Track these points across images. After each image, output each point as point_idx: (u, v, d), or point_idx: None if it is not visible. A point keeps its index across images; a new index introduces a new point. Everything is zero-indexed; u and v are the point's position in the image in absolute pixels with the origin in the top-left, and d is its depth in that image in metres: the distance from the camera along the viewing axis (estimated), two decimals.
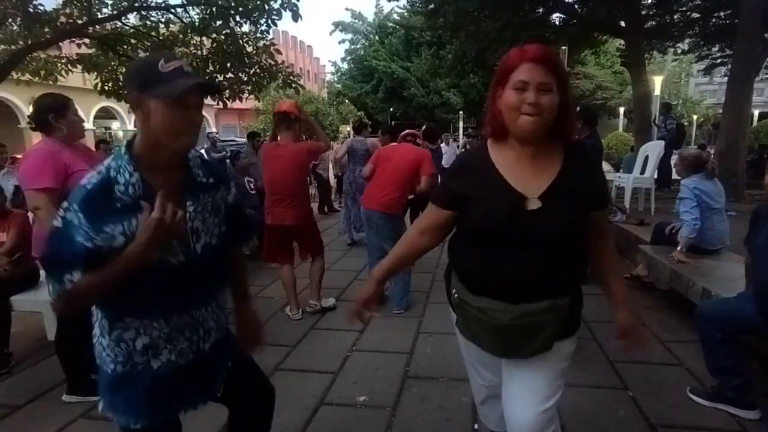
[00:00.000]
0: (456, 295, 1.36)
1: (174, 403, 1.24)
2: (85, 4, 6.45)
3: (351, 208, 6.21)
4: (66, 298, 1.06)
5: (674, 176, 8.83)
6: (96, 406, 2.42)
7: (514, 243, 1.22)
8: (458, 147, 15.93)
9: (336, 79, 39.68)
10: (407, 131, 4.03)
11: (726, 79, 8.40)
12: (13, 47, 6.65)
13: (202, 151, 10.24)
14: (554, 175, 1.23)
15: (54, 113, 2.30)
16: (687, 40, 13.14)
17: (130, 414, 1.18)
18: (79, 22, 6.61)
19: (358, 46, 36.29)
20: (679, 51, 15.21)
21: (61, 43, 7.07)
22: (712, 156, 8.65)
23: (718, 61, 13.20)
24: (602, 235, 1.36)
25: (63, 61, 7.45)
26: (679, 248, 3.38)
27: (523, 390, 1.31)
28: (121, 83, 7.37)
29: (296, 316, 3.66)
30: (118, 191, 1.07)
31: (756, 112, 19.85)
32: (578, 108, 4.83)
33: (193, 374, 1.24)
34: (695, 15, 11.29)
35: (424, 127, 6.58)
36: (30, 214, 2.55)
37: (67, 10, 6.61)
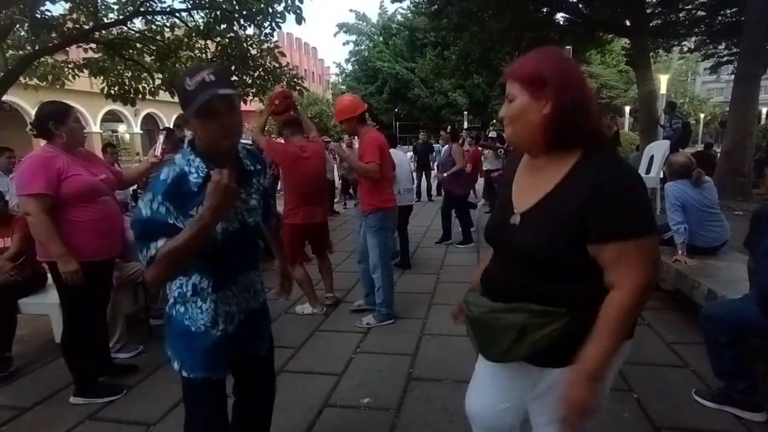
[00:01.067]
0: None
1: (233, 355, 1.50)
2: (91, 9, 6.52)
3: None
4: (155, 263, 1.23)
5: None
6: (102, 407, 2.47)
7: (501, 253, 1.24)
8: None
9: (340, 80, 39.78)
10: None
11: (733, 77, 8.33)
12: (21, 52, 6.74)
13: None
14: (544, 193, 1.14)
15: (54, 121, 2.33)
16: (693, 39, 13.06)
17: (211, 369, 1.44)
18: (86, 27, 6.69)
19: (362, 48, 36.37)
20: (685, 49, 15.12)
21: (67, 48, 7.15)
22: (719, 155, 8.63)
23: (725, 59, 13.12)
24: (610, 283, 1.07)
25: (70, 65, 7.53)
26: (679, 251, 3.40)
27: (535, 412, 1.29)
28: (126, 87, 7.44)
29: (320, 311, 3.78)
30: (192, 178, 1.29)
31: (764, 110, 19.68)
32: None
33: (247, 330, 1.51)
34: (701, 13, 11.22)
35: (449, 128, 6.70)
36: None
37: (74, 16, 6.69)
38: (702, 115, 33.11)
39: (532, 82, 1.09)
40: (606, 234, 1.04)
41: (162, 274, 1.27)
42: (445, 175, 6.20)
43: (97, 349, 2.67)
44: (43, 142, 2.48)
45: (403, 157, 5.42)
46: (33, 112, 2.55)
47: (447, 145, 6.89)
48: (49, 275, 2.70)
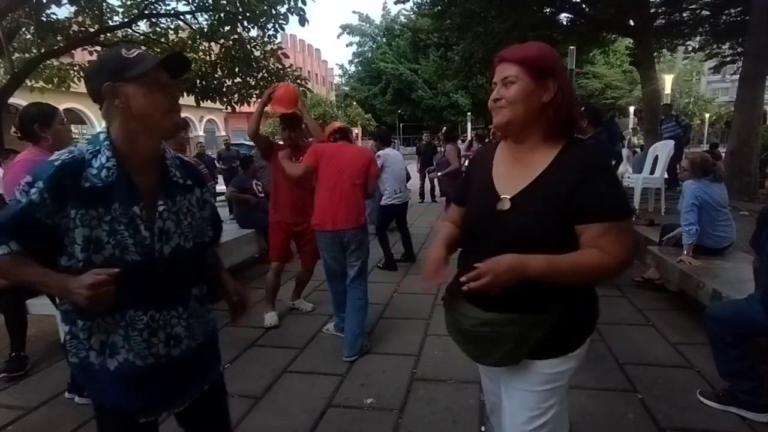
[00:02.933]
0: (445, 295, 1.35)
1: (137, 405, 1.18)
2: (96, 12, 6.58)
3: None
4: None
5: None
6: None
7: (486, 245, 1.17)
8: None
9: (344, 81, 39.86)
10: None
11: (738, 76, 8.28)
12: (27, 55, 6.80)
13: (216, 153, 10.39)
14: (533, 177, 1.17)
15: (39, 123, 2.28)
16: (697, 38, 12.99)
17: (101, 396, 1.20)
18: (91, 30, 6.75)
19: (365, 49, 36.45)
20: (690, 49, 15.04)
21: (73, 51, 7.21)
22: (724, 155, 8.57)
23: (729, 58, 13.04)
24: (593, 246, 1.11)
25: (75, 68, 7.59)
26: (685, 251, 3.38)
27: (512, 407, 1.27)
28: None
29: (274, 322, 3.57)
30: (90, 173, 1.05)
31: None
32: (582, 108, 4.80)
33: (156, 380, 1.17)
34: (705, 12, 11.16)
35: (445, 129, 6.69)
36: None
37: (79, 19, 6.75)
38: (707, 115, 32.91)
39: (537, 69, 1.14)
40: (594, 214, 1.10)
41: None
42: (438, 173, 6.21)
43: None
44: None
45: (396, 156, 5.44)
46: None
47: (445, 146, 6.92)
48: None
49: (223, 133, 26.43)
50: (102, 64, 1.13)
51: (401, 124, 34.90)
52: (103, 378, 1.14)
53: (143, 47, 7.28)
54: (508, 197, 1.18)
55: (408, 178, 5.67)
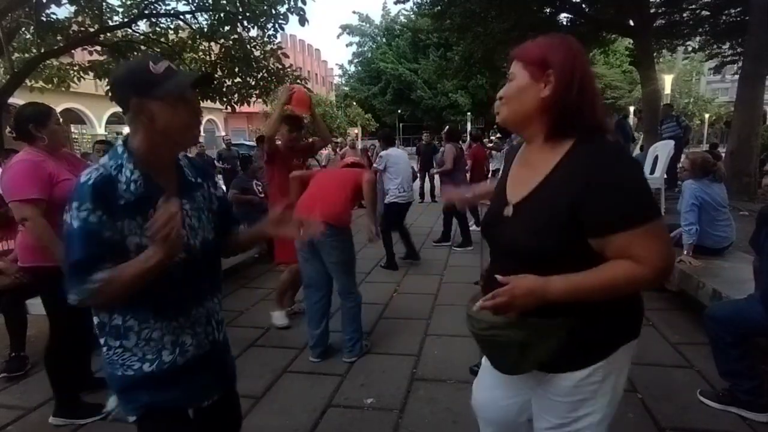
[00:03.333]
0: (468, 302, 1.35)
1: (194, 393, 1.26)
2: (96, 12, 6.58)
3: None
4: (96, 297, 1.04)
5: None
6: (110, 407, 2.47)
7: (494, 248, 1.19)
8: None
9: (343, 81, 39.87)
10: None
11: (738, 76, 8.29)
12: (27, 55, 6.80)
13: (216, 153, 10.40)
14: (536, 183, 1.09)
15: (35, 123, 2.25)
16: (697, 38, 13.00)
17: (152, 402, 1.19)
18: (91, 30, 6.74)
19: (365, 49, 36.47)
20: (689, 49, 15.05)
21: (73, 51, 7.21)
22: (724, 155, 8.58)
23: (729, 58, 13.05)
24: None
25: (75, 68, 7.59)
26: (685, 251, 3.38)
27: (539, 411, 1.24)
28: None
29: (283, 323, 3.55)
30: (121, 190, 1.08)
31: None
32: None
33: (210, 364, 1.28)
34: (705, 13, 11.16)
35: (447, 128, 6.69)
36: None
37: (79, 19, 6.75)
38: (707, 116, 32.93)
39: (535, 63, 1.07)
40: (608, 226, 0.98)
41: (99, 305, 1.11)
42: (433, 172, 6.21)
43: (79, 362, 2.57)
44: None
45: (400, 156, 5.45)
46: None
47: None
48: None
49: (223, 133, 26.42)
50: (130, 77, 1.14)
51: (401, 124, 34.91)
52: (163, 378, 1.17)
53: (143, 47, 7.31)
54: (512, 204, 1.13)
55: (414, 177, 5.66)
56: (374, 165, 5.45)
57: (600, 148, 1.04)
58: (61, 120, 2.48)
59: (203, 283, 1.26)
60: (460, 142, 6.82)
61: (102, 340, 1.18)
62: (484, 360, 1.40)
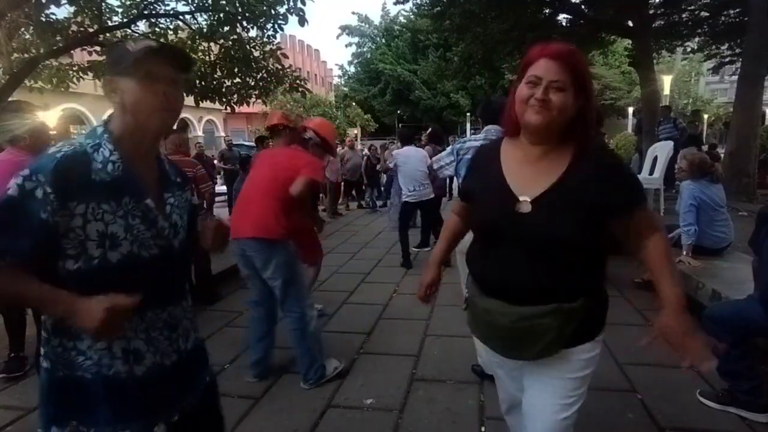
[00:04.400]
0: (467, 295, 1.38)
1: (159, 408, 1.12)
2: (96, 12, 6.55)
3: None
4: None
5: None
6: None
7: (509, 243, 1.22)
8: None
9: (343, 82, 39.88)
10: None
11: (736, 77, 8.30)
12: (26, 55, 6.78)
13: (217, 153, 10.41)
14: (554, 180, 1.18)
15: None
16: (696, 39, 13.02)
17: (114, 422, 1.04)
18: (90, 30, 6.72)
19: (364, 50, 36.49)
20: (688, 50, 15.08)
21: (72, 51, 7.19)
22: (723, 155, 8.60)
23: (728, 59, 13.06)
24: (642, 236, 1.21)
25: (75, 68, 7.56)
26: (684, 252, 3.39)
27: (542, 398, 1.28)
28: None
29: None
30: (96, 167, 0.99)
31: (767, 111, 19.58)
32: None
33: (178, 375, 1.16)
34: (704, 13, 11.18)
35: (429, 129, 6.69)
36: None
37: (79, 19, 6.72)
38: (705, 116, 32.98)
39: (580, 82, 1.16)
40: (633, 205, 1.20)
41: None
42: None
43: None
44: None
45: (410, 155, 5.45)
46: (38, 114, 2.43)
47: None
48: None
49: (223, 134, 26.41)
50: (109, 57, 1.13)
51: (400, 125, 34.92)
52: (127, 390, 1.05)
53: None
54: (528, 200, 1.18)
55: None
56: (387, 163, 5.51)
57: (604, 148, 1.33)
58: (44, 120, 2.44)
59: (171, 286, 1.16)
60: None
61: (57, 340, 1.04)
62: (498, 383, 1.54)
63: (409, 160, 5.32)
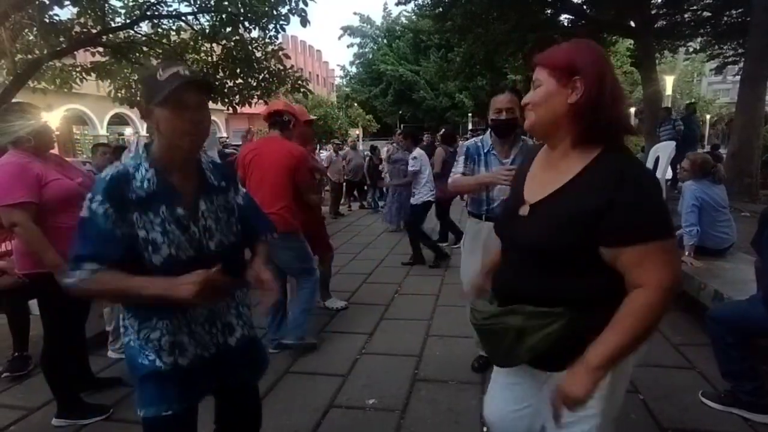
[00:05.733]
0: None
1: (200, 391, 1.34)
2: (98, 13, 6.58)
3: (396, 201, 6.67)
4: (81, 287, 1.13)
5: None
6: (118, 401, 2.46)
7: (507, 246, 1.23)
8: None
9: (345, 82, 39.91)
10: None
11: (739, 77, 8.29)
12: (29, 56, 6.80)
13: (214, 154, 10.43)
14: (559, 185, 1.11)
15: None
16: (698, 39, 13.00)
17: (159, 403, 1.26)
18: (93, 31, 6.74)
19: (366, 50, 36.52)
20: (691, 50, 15.05)
21: (75, 52, 7.21)
22: (725, 156, 8.58)
23: (730, 59, 13.04)
24: (633, 283, 1.01)
25: (78, 69, 7.58)
26: (686, 253, 3.39)
27: (546, 409, 1.22)
28: (134, 90, 7.51)
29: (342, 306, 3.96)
30: (135, 186, 1.18)
31: None
32: None
33: (217, 367, 1.34)
34: (706, 14, 11.16)
35: (444, 130, 6.70)
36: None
37: (82, 20, 6.74)
38: (708, 116, 32.88)
39: (562, 70, 1.07)
40: (630, 236, 1.00)
41: (92, 296, 1.22)
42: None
43: (79, 363, 2.58)
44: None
45: (425, 154, 5.51)
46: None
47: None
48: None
49: (224, 134, 26.44)
50: (143, 84, 1.28)
51: (402, 125, 34.92)
52: (171, 378, 1.26)
53: (145, 48, 7.31)
54: (530, 203, 1.15)
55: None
56: (410, 168, 5.43)
57: (626, 162, 1.05)
58: (47, 122, 2.42)
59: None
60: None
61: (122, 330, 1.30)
62: (493, 374, 1.43)
63: (426, 160, 5.36)
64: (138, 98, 7.49)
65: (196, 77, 1.21)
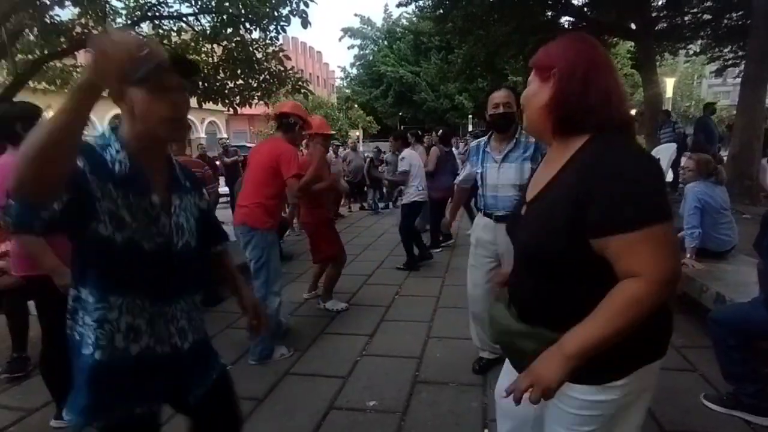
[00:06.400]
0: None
1: (143, 396, 1.19)
2: (99, 14, 6.59)
3: None
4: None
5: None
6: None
7: (515, 247, 1.20)
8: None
9: (345, 84, 39.94)
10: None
11: (739, 80, 8.29)
12: (30, 57, 6.81)
13: (216, 155, 10.42)
14: (547, 180, 1.08)
15: (22, 122, 2.17)
16: (699, 42, 13.02)
17: (94, 410, 1.11)
18: (94, 32, 6.75)
19: (367, 52, 36.54)
20: (691, 52, 15.08)
21: (76, 52, 7.22)
22: (726, 158, 8.59)
23: (730, 62, 13.05)
24: (625, 274, 0.92)
25: (78, 69, 7.60)
26: (687, 255, 3.38)
27: (549, 419, 1.18)
28: None
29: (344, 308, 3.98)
30: (108, 160, 1.06)
31: None
32: None
33: (168, 369, 1.21)
34: (707, 16, 11.18)
35: (441, 131, 6.72)
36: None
37: (83, 21, 6.75)
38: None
39: (543, 67, 1.08)
40: (611, 225, 0.90)
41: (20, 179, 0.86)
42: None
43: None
44: None
45: (416, 155, 5.49)
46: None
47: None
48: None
49: (225, 135, 26.44)
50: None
51: (402, 127, 34.94)
52: (116, 371, 1.12)
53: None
54: (526, 201, 1.14)
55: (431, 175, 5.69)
56: (399, 168, 5.45)
57: (609, 143, 0.97)
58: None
59: (169, 284, 1.20)
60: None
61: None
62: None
63: (415, 160, 5.36)
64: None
65: (179, 56, 1.13)
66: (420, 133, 7.15)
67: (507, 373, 1.42)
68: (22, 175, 0.84)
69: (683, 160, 6.68)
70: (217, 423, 1.40)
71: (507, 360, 1.40)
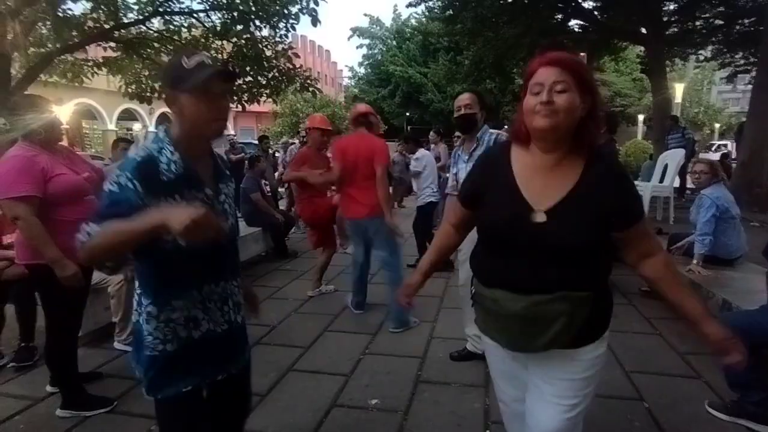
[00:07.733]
0: (473, 290, 1.38)
1: (210, 368, 1.35)
2: (111, 9, 6.64)
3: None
4: (86, 244, 1.12)
5: (688, 184, 8.69)
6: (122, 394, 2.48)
7: (518, 251, 1.21)
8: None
9: (353, 83, 39.93)
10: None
11: (750, 86, 8.22)
12: (42, 50, 6.87)
13: (222, 152, 10.45)
14: (568, 189, 1.19)
15: (33, 116, 2.19)
16: (710, 47, 12.91)
17: (175, 384, 1.29)
18: (106, 26, 6.80)
19: (375, 51, 36.48)
20: (702, 58, 14.96)
21: (87, 47, 7.28)
22: (735, 165, 8.52)
23: (742, 68, 12.94)
24: (645, 253, 1.27)
25: (89, 63, 7.66)
26: (695, 261, 3.35)
27: (548, 397, 1.28)
28: (144, 85, 7.57)
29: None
30: (162, 168, 1.19)
31: None
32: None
33: (227, 343, 1.38)
34: (718, 22, 11.08)
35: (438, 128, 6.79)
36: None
37: (94, 15, 6.80)
38: (717, 125, 32.67)
39: (584, 83, 1.17)
40: (634, 217, 1.23)
41: (93, 257, 1.17)
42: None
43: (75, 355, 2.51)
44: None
45: (430, 155, 5.53)
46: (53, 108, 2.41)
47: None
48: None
49: (232, 132, 26.54)
50: (167, 70, 1.28)
51: (409, 128, 34.88)
52: (185, 355, 1.28)
53: (156, 44, 7.37)
54: (543, 210, 1.19)
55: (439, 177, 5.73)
56: (412, 168, 5.49)
57: (611, 162, 1.27)
58: (56, 114, 2.41)
59: (224, 265, 1.36)
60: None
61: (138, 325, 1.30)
62: (500, 393, 1.52)
63: (431, 161, 5.36)
64: (147, 93, 7.55)
65: (225, 68, 1.25)
66: (419, 140, 6.93)
67: (508, 378, 1.45)
68: (88, 257, 1.15)
69: (689, 166, 6.65)
70: (231, 405, 1.50)
71: (503, 364, 1.44)
